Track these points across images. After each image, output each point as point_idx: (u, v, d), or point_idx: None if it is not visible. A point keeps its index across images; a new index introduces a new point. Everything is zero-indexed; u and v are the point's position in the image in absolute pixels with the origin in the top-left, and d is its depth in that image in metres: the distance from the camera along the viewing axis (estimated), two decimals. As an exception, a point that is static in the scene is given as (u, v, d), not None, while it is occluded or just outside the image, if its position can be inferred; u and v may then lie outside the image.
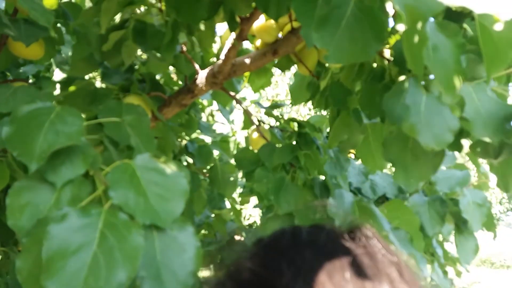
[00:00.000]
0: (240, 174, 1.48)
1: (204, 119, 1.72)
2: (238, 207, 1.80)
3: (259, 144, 1.07)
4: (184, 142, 1.38)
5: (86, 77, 1.09)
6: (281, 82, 5.88)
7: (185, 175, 0.52)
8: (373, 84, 0.75)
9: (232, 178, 1.40)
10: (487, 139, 0.56)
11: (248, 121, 1.28)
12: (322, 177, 1.10)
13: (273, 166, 1.00)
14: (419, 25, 0.30)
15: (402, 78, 0.67)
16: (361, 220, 0.32)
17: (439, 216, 1.15)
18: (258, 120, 1.16)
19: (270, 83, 1.24)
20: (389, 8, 0.55)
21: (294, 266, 0.26)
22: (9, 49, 0.84)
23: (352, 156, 1.60)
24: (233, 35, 0.90)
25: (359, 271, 0.25)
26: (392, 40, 0.74)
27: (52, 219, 0.42)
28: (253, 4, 0.79)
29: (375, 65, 0.79)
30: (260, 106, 1.26)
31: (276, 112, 1.23)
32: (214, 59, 1.25)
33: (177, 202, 0.48)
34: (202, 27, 0.93)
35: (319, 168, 1.04)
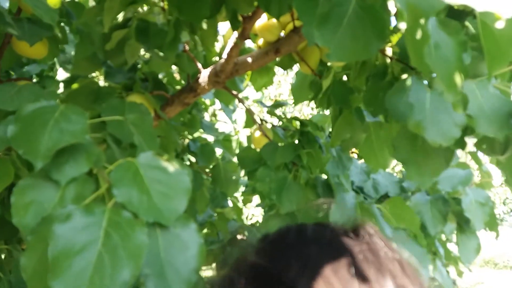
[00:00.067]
0: (242, 173, 1.48)
1: (207, 118, 1.72)
2: (240, 205, 1.80)
3: (261, 143, 1.07)
4: (186, 141, 1.39)
5: (90, 76, 1.09)
6: (284, 81, 5.87)
7: (188, 173, 0.52)
8: (376, 81, 0.75)
9: (234, 177, 1.41)
10: (492, 135, 0.56)
11: (250, 120, 1.28)
12: (325, 176, 1.10)
13: (275, 165, 1.01)
14: (421, 22, 0.31)
15: (405, 76, 0.67)
16: (364, 218, 0.32)
17: (441, 215, 1.15)
18: (261, 119, 1.17)
19: (272, 82, 1.24)
20: (391, 6, 0.55)
21: (300, 261, 0.27)
22: (13, 48, 0.85)
23: (355, 156, 1.60)
24: (236, 34, 0.90)
25: (363, 266, 0.26)
26: (395, 38, 0.74)
27: (56, 218, 0.42)
28: (255, 3, 0.79)
29: (377, 62, 0.79)
30: (263, 105, 1.27)
31: (278, 111, 1.23)
32: (217, 58, 1.25)
33: (180, 200, 0.48)
34: (204, 26, 0.93)
35: (321, 167, 1.04)
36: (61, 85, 1.08)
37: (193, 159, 1.41)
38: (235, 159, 1.43)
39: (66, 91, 0.98)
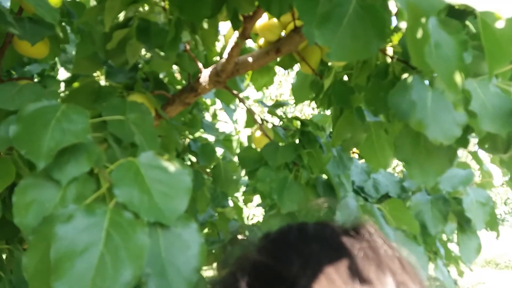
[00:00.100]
0: (243, 173, 1.48)
1: (208, 118, 1.73)
2: (241, 205, 1.81)
3: (262, 143, 1.07)
4: (187, 140, 1.39)
5: (91, 75, 1.10)
6: (285, 81, 5.87)
7: (189, 173, 0.52)
8: (377, 81, 0.75)
9: (235, 177, 1.41)
10: (495, 132, 0.56)
11: (251, 120, 1.28)
12: (325, 176, 1.10)
13: (276, 165, 1.01)
14: (421, 22, 0.31)
15: (406, 75, 0.67)
16: (364, 218, 0.32)
17: (441, 215, 1.15)
18: (261, 119, 1.17)
19: (273, 81, 1.24)
20: (392, 6, 0.55)
21: (302, 258, 0.27)
22: (14, 48, 0.85)
23: (356, 156, 1.60)
24: (236, 33, 0.90)
25: (363, 263, 0.26)
26: (396, 37, 0.74)
27: (58, 218, 0.42)
28: (256, 3, 0.79)
29: (378, 62, 0.79)
30: (263, 105, 1.27)
31: (279, 111, 1.23)
32: (218, 58, 1.25)
33: (181, 199, 0.48)
34: (205, 25, 0.93)
35: (321, 167, 1.04)
36: (62, 84, 1.09)
37: (193, 159, 1.41)
38: (235, 159, 1.43)
39: (67, 91, 0.99)
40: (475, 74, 0.56)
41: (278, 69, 1.19)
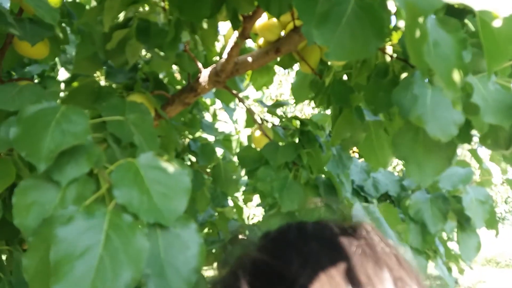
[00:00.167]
0: (243, 173, 1.49)
1: (207, 118, 1.73)
2: (241, 205, 1.81)
3: (261, 143, 1.07)
4: (187, 140, 1.39)
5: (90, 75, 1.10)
6: (285, 81, 5.87)
7: (188, 173, 0.52)
8: (377, 80, 0.76)
9: (235, 177, 1.41)
10: (498, 124, 0.57)
11: (250, 120, 1.28)
12: (324, 176, 1.10)
13: (277, 164, 1.01)
14: (420, 21, 0.31)
15: (405, 74, 0.67)
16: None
17: (441, 214, 1.15)
18: (261, 119, 1.17)
19: (273, 81, 1.24)
20: (391, 5, 0.55)
21: (302, 257, 0.27)
22: (14, 49, 0.85)
23: (356, 155, 1.60)
24: (236, 33, 0.90)
25: (361, 260, 0.27)
26: (395, 36, 0.74)
27: (58, 220, 0.42)
28: (256, 3, 0.79)
29: (377, 61, 0.79)
30: (263, 105, 1.27)
31: (279, 111, 1.23)
32: (217, 58, 1.25)
33: (180, 200, 0.48)
34: (205, 25, 0.94)
35: (320, 166, 1.04)
36: (62, 85, 1.09)
37: (193, 159, 1.41)
38: (235, 159, 1.43)
39: (67, 91, 0.99)
40: (475, 71, 0.57)
41: (278, 68, 1.19)
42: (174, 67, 1.30)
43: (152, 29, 0.85)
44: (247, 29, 0.86)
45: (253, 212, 2.89)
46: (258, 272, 0.28)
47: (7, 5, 0.94)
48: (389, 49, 0.78)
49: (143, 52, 1.08)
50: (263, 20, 0.91)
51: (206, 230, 1.76)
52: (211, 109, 1.75)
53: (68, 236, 0.41)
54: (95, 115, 0.70)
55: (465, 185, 1.17)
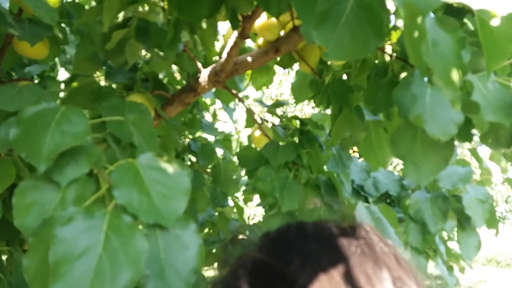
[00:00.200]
0: (243, 172, 1.49)
1: (207, 117, 1.73)
2: (242, 205, 1.81)
3: (261, 142, 1.07)
4: (187, 140, 1.39)
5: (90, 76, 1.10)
6: (285, 81, 5.87)
7: (188, 174, 0.52)
8: (377, 80, 0.76)
9: (235, 177, 1.41)
10: (499, 121, 0.57)
11: (250, 120, 1.28)
12: (326, 176, 1.10)
13: (278, 164, 1.01)
14: (418, 20, 0.31)
15: (404, 73, 0.67)
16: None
17: (441, 213, 1.15)
18: (261, 118, 1.17)
19: (272, 81, 1.24)
20: (390, 4, 0.55)
21: (302, 256, 0.28)
22: (14, 49, 0.85)
23: (357, 155, 1.60)
24: (235, 33, 0.90)
25: (361, 259, 0.27)
26: (394, 36, 0.74)
27: (58, 221, 0.42)
28: (255, 2, 0.79)
29: (377, 61, 0.79)
30: (263, 105, 1.27)
31: (279, 110, 1.23)
32: (217, 58, 1.25)
33: (180, 201, 0.48)
34: (204, 25, 0.93)
35: (320, 167, 1.04)
36: (62, 85, 1.09)
37: (193, 159, 1.41)
38: (235, 159, 1.43)
39: (67, 91, 0.99)
40: (475, 70, 0.57)
41: (278, 68, 1.19)
42: (174, 67, 1.30)
43: (152, 29, 0.85)
44: (246, 29, 0.86)
45: (254, 212, 2.89)
46: (258, 272, 0.28)
47: (7, 5, 0.94)
48: (388, 49, 0.78)
49: (143, 52, 1.08)
50: (263, 20, 0.91)
51: (206, 230, 1.76)
52: (211, 109, 1.75)
53: (68, 237, 0.41)
54: (95, 115, 0.70)
55: (465, 184, 1.17)
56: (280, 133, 1.13)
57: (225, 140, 1.57)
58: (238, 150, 1.59)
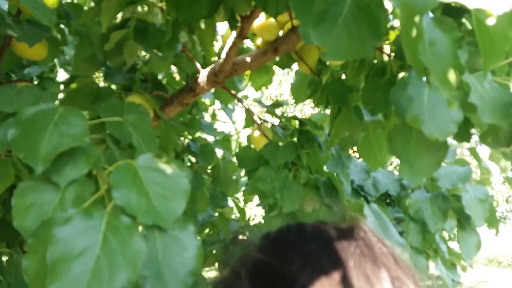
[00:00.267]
0: (242, 173, 1.49)
1: (207, 118, 1.73)
2: (241, 205, 1.81)
3: (261, 143, 1.07)
4: (186, 141, 1.39)
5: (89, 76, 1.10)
6: (285, 81, 5.88)
7: (187, 175, 0.52)
8: (375, 80, 0.76)
9: (234, 177, 1.41)
10: (496, 123, 0.57)
11: (249, 120, 1.28)
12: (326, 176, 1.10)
13: (277, 164, 1.01)
14: (415, 20, 0.31)
15: (403, 73, 0.67)
16: (359, 217, 0.34)
17: (441, 212, 1.15)
18: (260, 119, 1.17)
19: (271, 81, 1.24)
20: (387, 4, 0.55)
21: (302, 257, 0.28)
22: (12, 50, 0.85)
23: (357, 155, 1.60)
24: (234, 33, 0.90)
25: (360, 259, 0.28)
26: (393, 36, 0.74)
27: (56, 221, 0.42)
28: (253, 3, 0.79)
29: (375, 61, 0.79)
30: (262, 105, 1.27)
31: (278, 111, 1.23)
32: (216, 58, 1.25)
33: (179, 202, 0.48)
34: (202, 26, 0.94)
35: (319, 167, 1.04)
36: (62, 86, 1.09)
37: (193, 159, 1.41)
38: (235, 159, 1.43)
39: (66, 92, 0.99)
40: (473, 69, 0.57)
41: (277, 68, 1.19)
42: (173, 67, 1.30)
43: (150, 29, 0.85)
44: (244, 29, 0.86)
45: (254, 212, 2.89)
46: (259, 272, 0.29)
47: (5, 6, 0.94)
48: (386, 49, 0.78)
49: (142, 52, 1.08)
50: (261, 20, 0.91)
51: (206, 230, 1.76)
52: (210, 109, 1.75)
53: (66, 237, 0.41)
54: (94, 116, 0.70)
55: (465, 184, 1.17)
56: (279, 134, 1.13)
57: (224, 140, 1.57)
58: (237, 150, 1.59)
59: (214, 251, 1.58)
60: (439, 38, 0.36)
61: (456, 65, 0.37)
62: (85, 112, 0.87)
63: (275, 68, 1.25)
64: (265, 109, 1.25)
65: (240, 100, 1.15)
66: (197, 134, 1.50)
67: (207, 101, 1.72)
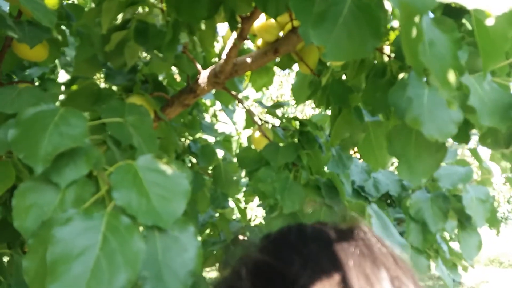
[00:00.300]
0: (243, 174, 1.49)
1: (208, 119, 1.73)
2: (242, 206, 1.81)
3: (261, 143, 1.07)
4: (187, 142, 1.39)
5: (90, 78, 1.10)
6: (286, 82, 5.88)
7: (187, 176, 0.52)
8: (375, 80, 0.76)
9: (235, 178, 1.41)
10: (494, 126, 0.57)
11: (250, 121, 1.28)
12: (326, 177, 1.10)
13: (278, 165, 1.01)
14: (415, 20, 0.31)
15: (402, 74, 0.67)
16: (359, 217, 0.34)
17: (442, 213, 1.15)
18: (261, 119, 1.17)
19: (272, 82, 1.24)
20: (388, 5, 0.55)
21: (302, 258, 0.28)
22: (14, 51, 0.86)
23: (358, 155, 1.60)
24: (234, 34, 0.90)
25: (359, 259, 0.28)
26: (393, 36, 0.74)
27: (57, 221, 0.42)
28: (253, 3, 0.79)
29: (376, 62, 0.79)
30: (262, 106, 1.27)
31: (279, 111, 1.23)
32: (216, 59, 1.25)
33: (179, 202, 0.48)
34: (203, 26, 0.94)
35: (319, 168, 1.04)
36: (63, 87, 1.09)
37: (194, 160, 1.42)
38: (235, 160, 1.43)
39: (67, 93, 0.99)
40: (472, 70, 0.57)
41: (279, 69, 1.19)
42: (174, 68, 1.31)
43: (150, 30, 0.85)
44: (245, 30, 0.86)
45: (255, 213, 2.89)
46: (260, 272, 0.29)
47: (7, 8, 0.94)
48: (386, 49, 0.78)
49: (142, 53, 1.08)
50: (261, 21, 0.91)
51: (207, 231, 1.76)
52: (211, 110, 1.75)
53: (66, 237, 0.41)
54: (95, 117, 0.70)
55: (465, 184, 1.17)
56: (280, 134, 1.13)
57: (225, 141, 1.58)
58: (238, 151, 1.59)
59: (215, 252, 1.58)
60: (439, 39, 0.36)
61: (456, 66, 0.37)
62: (86, 113, 0.88)
63: (276, 68, 1.25)
64: (265, 109, 1.25)
65: (240, 101, 1.15)
66: (198, 135, 1.50)
67: (207, 102, 1.72)
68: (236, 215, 1.77)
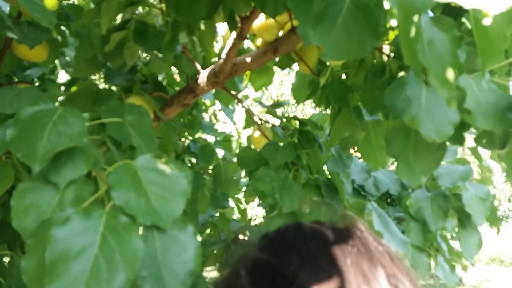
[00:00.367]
0: (243, 173, 1.49)
1: (207, 119, 1.73)
2: (242, 206, 1.81)
3: (261, 143, 1.07)
4: (187, 142, 1.39)
5: (89, 78, 1.10)
6: (286, 81, 5.88)
7: (186, 175, 0.52)
8: (374, 80, 0.75)
9: (235, 177, 1.41)
10: (490, 129, 0.57)
11: (250, 120, 1.28)
12: (327, 176, 1.10)
13: (277, 164, 1.01)
14: (414, 19, 0.31)
15: (402, 73, 0.67)
16: (356, 216, 0.34)
17: (442, 211, 1.15)
18: (261, 119, 1.17)
19: (272, 82, 1.24)
20: (387, 4, 0.55)
21: (301, 256, 0.29)
22: (13, 52, 0.86)
23: (359, 155, 1.60)
24: (234, 34, 0.90)
25: (357, 258, 0.28)
26: (392, 35, 0.74)
27: (55, 221, 0.42)
28: (252, 3, 0.79)
29: (375, 61, 0.79)
30: (262, 105, 1.27)
31: (279, 111, 1.23)
32: (216, 59, 1.25)
33: (178, 202, 0.48)
34: (202, 26, 0.94)
35: (319, 167, 1.04)
36: (63, 88, 1.09)
37: (194, 160, 1.42)
38: (235, 160, 1.43)
39: (66, 94, 0.99)
40: (471, 70, 0.56)
41: (278, 69, 1.19)
42: (173, 68, 1.31)
43: (150, 31, 0.85)
44: (244, 29, 0.86)
45: (256, 213, 2.89)
46: (259, 271, 0.29)
47: (6, 9, 0.94)
48: (386, 49, 0.78)
49: (142, 54, 1.08)
50: (261, 20, 0.91)
51: (207, 231, 1.76)
52: (211, 110, 1.75)
53: (64, 237, 0.41)
54: (95, 117, 0.70)
55: (465, 182, 1.17)
56: (279, 134, 1.13)
57: (225, 141, 1.58)
58: (238, 151, 1.59)
59: (215, 251, 1.58)
60: (438, 38, 0.36)
61: (455, 64, 0.36)
62: (86, 114, 0.88)
63: (276, 68, 1.25)
64: (265, 109, 1.25)
65: (240, 101, 1.15)
66: (198, 135, 1.50)
67: (207, 101, 1.72)
68: (236, 215, 1.77)
